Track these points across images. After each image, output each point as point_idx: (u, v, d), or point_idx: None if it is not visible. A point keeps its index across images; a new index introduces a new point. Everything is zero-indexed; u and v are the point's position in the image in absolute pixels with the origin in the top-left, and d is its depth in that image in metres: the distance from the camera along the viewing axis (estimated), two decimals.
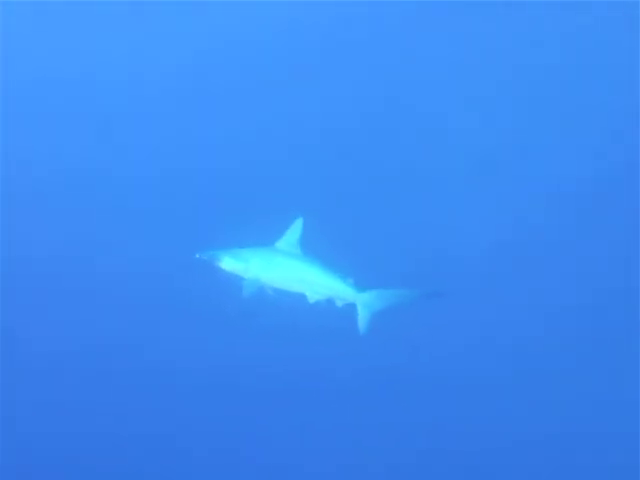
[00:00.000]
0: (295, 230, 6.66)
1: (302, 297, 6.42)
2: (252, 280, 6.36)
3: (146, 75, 11.16)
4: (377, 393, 8.59)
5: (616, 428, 8.63)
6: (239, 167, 9.85)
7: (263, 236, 6.64)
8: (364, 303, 6.28)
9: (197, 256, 6.26)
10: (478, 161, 10.52)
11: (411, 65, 11.57)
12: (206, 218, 8.77)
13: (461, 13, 12.21)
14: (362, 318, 6.28)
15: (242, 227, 6.88)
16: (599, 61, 12.17)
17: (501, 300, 9.11)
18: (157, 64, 11.27)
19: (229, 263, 6.31)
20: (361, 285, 6.30)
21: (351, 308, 6.35)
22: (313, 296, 6.37)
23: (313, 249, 6.63)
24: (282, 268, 6.38)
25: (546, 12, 12.09)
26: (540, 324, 9.14)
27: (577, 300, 9.34)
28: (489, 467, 8.51)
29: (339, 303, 6.34)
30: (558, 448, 8.70)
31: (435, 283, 6.38)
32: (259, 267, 6.39)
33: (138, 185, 9.97)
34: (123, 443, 8.55)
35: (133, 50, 11.28)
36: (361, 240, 8.87)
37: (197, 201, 9.49)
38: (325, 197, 9.30)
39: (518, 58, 12.25)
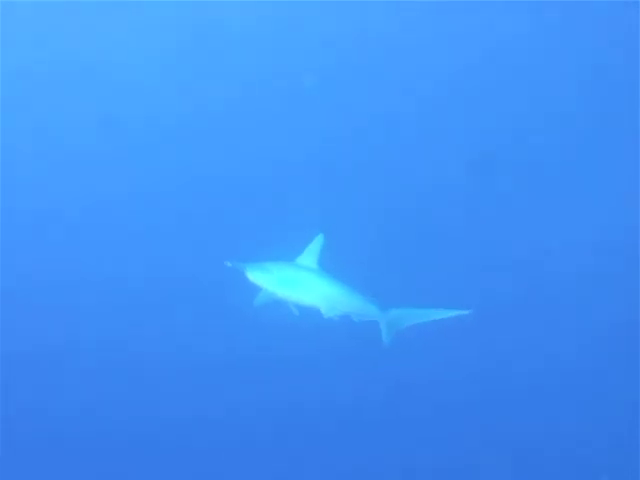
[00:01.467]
0: (315, 246, 6.83)
1: (319, 312, 6.58)
2: (269, 292, 6.53)
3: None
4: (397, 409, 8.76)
5: None
6: (268, 184, 10.12)
7: (286, 251, 6.81)
8: (388, 321, 6.45)
9: (227, 264, 6.45)
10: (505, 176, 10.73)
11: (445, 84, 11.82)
12: (237, 232, 9.04)
13: (462, 14, 12.43)
14: (386, 336, 6.43)
15: (268, 242, 7.06)
16: (599, 61, 12.31)
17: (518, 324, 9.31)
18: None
19: (254, 274, 6.50)
20: (383, 303, 6.45)
21: (369, 325, 6.51)
22: (331, 312, 6.51)
23: (332, 265, 6.80)
24: (305, 283, 6.55)
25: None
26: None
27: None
28: None
29: (357, 320, 6.49)
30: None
31: (455, 302, 6.51)
32: (282, 281, 6.56)
33: (184, 194, 10.36)
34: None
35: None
36: (380, 258, 9.05)
37: (229, 216, 9.80)
38: (346, 215, 9.50)
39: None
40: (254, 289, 6.58)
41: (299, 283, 6.55)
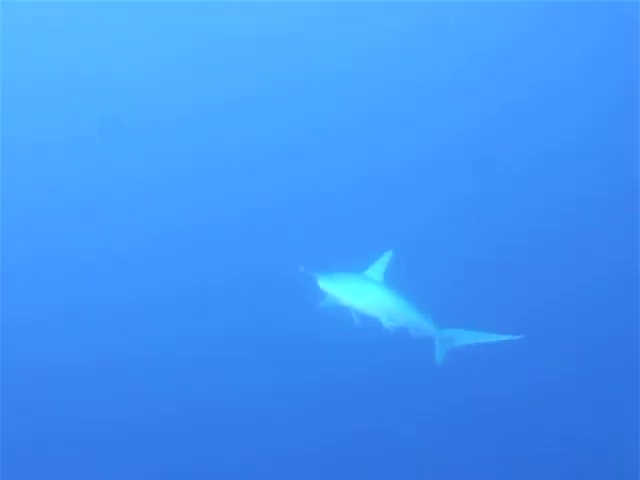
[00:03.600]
0: (383, 262, 7.25)
1: (381, 324, 6.98)
2: (334, 299, 6.99)
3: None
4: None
5: None
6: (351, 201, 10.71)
7: (357, 263, 7.26)
8: (443, 339, 6.83)
9: (301, 269, 6.96)
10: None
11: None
12: (315, 240, 9.65)
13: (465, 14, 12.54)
14: (439, 353, 6.81)
15: (343, 253, 7.52)
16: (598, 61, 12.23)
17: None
18: None
19: (323, 281, 6.98)
20: (440, 322, 6.83)
21: (424, 341, 6.89)
22: (391, 325, 6.91)
23: (397, 281, 7.20)
24: (369, 295, 6.96)
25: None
26: None
27: None
28: None
29: (415, 335, 6.88)
30: None
31: (511, 328, 6.82)
32: (347, 290, 7.01)
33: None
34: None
35: None
36: (444, 278, 9.42)
37: (310, 225, 10.52)
38: (418, 235, 9.90)
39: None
40: (322, 295, 7.06)
41: (363, 294, 6.94)
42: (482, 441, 8.98)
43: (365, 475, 8.89)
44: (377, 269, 7.21)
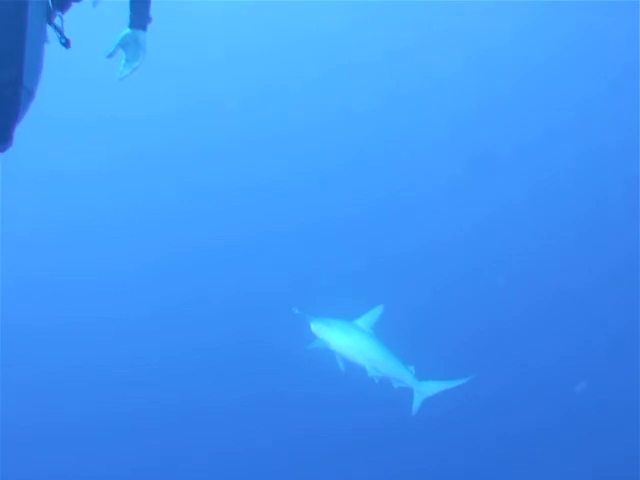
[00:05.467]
0: (374, 314, 7.74)
1: (365, 372, 7.43)
2: (324, 342, 7.46)
3: None
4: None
5: None
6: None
7: (348, 313, 7.76)
8: (421, 391, 7.28)
9: (295, 311, 7.44)
10: None
11: None
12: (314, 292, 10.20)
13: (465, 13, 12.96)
14: (416, 403, 7.26)
15: (336, 301, 8.02)
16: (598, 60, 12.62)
17: None
18: None
19: (316, 325, 7.45)
20: (420, 374, 7.29)
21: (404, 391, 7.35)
22: (374, 373, 7.36)
23: (384, 333, 7.67)
24: (357, 343, 7.43)
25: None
26: None
27: None
28: None
29: (396, 384, 7.33)
30: None
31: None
32: (337, 336, 7.48)
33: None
34: None
35: None
36: (429, 334, 9.93)
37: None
38: (408, 292, 10.42)
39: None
40: (312, 337, 7.54)
41: (351, 342, 7.42)
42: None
43: None
44: (367, 320, 7.67)
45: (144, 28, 3.25)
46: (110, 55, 3.27)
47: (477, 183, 12.51)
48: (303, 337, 7.52)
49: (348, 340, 7.47)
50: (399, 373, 7.31)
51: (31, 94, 2.55)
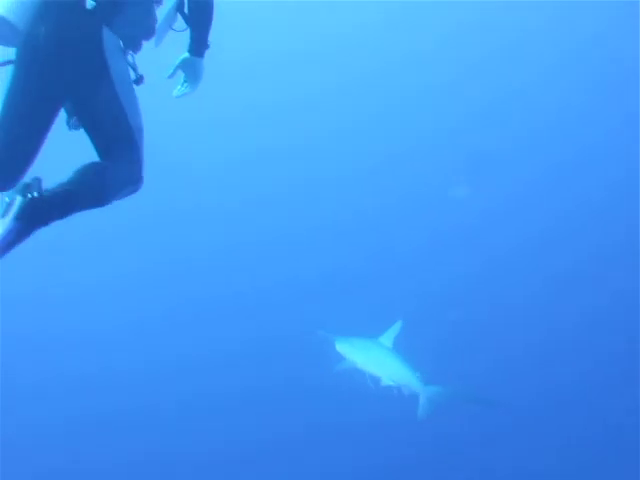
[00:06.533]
0: (394, 329, 8.14)
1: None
2: (351, 362, 7.84)
3: None
4: None
5: None
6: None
7: (370, 330, 8.15)
8: (427, 396, 7.62)
9: (319, 333, 7.82)
10: None
11: None
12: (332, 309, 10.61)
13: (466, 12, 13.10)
14: (422, 408, 7.60)
15: (359, 320, 8.41)
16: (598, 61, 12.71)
17: None
18: None
19: (341, 345, 7.84)
20: (428, 380, 7.62)
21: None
22: (388, 382, 7.69)
23: (403, 345, 8.03)
24: (374, 358, 7.80)
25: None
26: None
27: None
28: None
29: (407, 392, 7.67)
30: None
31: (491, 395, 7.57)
32: (362, 355, 7.87)
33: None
34: None
35: None
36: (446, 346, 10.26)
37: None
38: (424, 307, 10.79)
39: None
40: (338, 357, 7.91)
41: (374, 358, 7.81)
42: None
43: None
44: (388, 336, 8.07)
45: (201, 55, 3.59)
46: (170, 76, 3.64)
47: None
48: (328, 358, 7.88)
49: (371, 357, 7.82)
50: (408, 380, 7.62)
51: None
